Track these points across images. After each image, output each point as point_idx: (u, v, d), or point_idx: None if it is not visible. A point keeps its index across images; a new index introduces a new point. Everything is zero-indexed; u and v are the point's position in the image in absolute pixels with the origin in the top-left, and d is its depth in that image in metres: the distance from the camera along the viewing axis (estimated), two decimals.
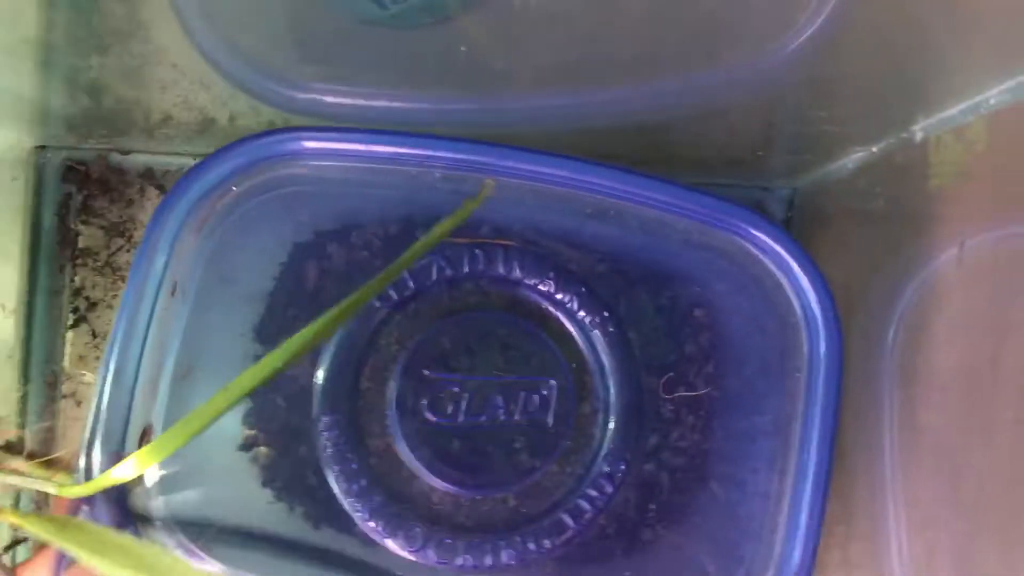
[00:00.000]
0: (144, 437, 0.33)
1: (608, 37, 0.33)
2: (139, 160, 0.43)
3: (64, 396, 0.42)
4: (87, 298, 0.42)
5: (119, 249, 0.42)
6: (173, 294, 0.32)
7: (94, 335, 0.42)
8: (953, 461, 0.31)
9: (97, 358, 0.42)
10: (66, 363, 0.42)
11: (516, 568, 0.33)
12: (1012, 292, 0.29)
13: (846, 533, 0.38)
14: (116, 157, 0.43)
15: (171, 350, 0.33)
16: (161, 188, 0.43)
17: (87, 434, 0.32)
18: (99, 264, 0.42)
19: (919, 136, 0.33)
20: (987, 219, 0.30)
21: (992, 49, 0.29)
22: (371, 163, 0.33)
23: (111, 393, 0.32)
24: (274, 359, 0.29)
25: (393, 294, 0.33)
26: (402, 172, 0.33)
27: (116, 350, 0.32)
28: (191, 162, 0.42)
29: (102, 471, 0.32)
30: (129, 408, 0.33)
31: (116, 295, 0.42)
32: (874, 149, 0.37)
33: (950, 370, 0.32)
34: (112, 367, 0.32)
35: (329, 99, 0.34)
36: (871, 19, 0.29)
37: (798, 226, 0.43)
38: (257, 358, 0.32)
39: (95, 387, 0.32)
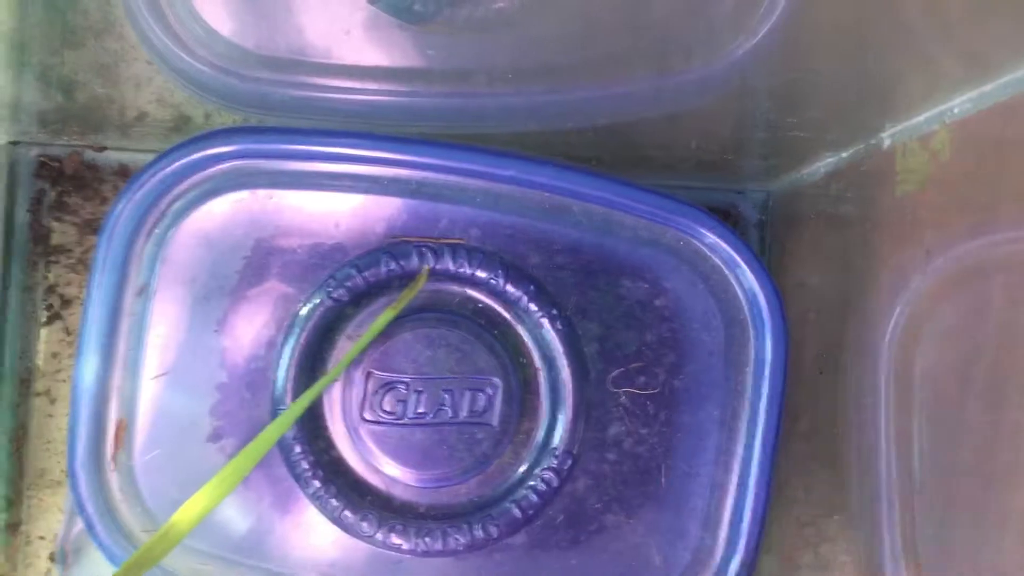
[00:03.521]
0: (117, 432, 0.33)
1: (570, 39, 0.33)
2: (113, 157, 0.42)
3: (38, 394, 0.42)
4: (61, 295, 0.42)
5: (93, 246, 0.42)
6: (139, 295, 0.33)
7: (68, 332, 0.42)
8: (932, 464, 0.31)
9: (71, 355, 0.42)
10: (40, 360, 0.42)
11: (464, 553, 0.34)
12: (978, 302, 0.29)
13: (817, 535, 0.38)
14: (90, 154, 0.42)
15: (142, 349, 0.33)
16: None
17: (68, 439, 0.33)
18: (72, 261, 0.42)
19: (887, 143, 0.33)
20: (951, 228, 0.30)
21: (957, 58, 0.29)
22: (324, 162, 0.33)
23: (87, 395, 0.33)
24: (288, 418, 0.32)
25: (344, 292, 0.33)
26: (356, 171, 0.33)
27: (87, 352, 0.33)
28: None
29: (86, 471, 0.33)
30: (105, 409, 0.33)
31: None
32: (844, 155, 0.37)
33: (927, 374, 0.32)
34: (86, 368, 0.33)
35: (295, 94, 0.35)
36: (833, 23, 0.29)
37: (772, 230, 0.43)
38: (226, 352, 0.33)
39: (71, 391, 0.33)
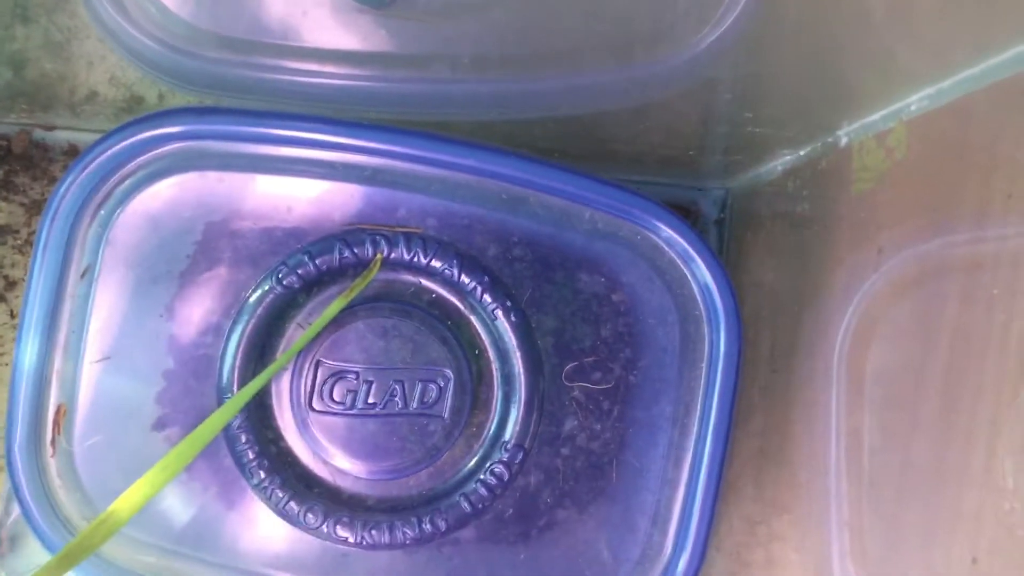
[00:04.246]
0: (57, 416, 0.33)
1: (533, 28, 0.33)
2: (63, 137, 0.42)
3: None
4: (5, 277, 0.41)
5: None
6: (83, 277, 0.32)
7: (12, 315, 0.41)
8: (882, 462, 0.31)
9: (15, 339, 0.41)
10: None
11: (411, 546, 0.33)
12: (932, 302, 0.29)
13: (768, 533, 0.38)
14: (40, 133, 0.42)
15: (85, 333, 0.33)
16: None
17: (7, 423, 0.32)
18: (19, 242, 0.41)
19: (844, 141, 0.33)
20: (907, 228, 0.30)
21: (914, 55, 0.29)
22: (277, 145, 0.32)
23: (27, 379, 0.32)
24: (233, 406, 0.31)
25: (295, 278, 0.33)
26: (309, 155, 0.33)
27: (27, 335, 0.32)
28: None
29: (24, 455, 0.32)
30: (45, 393, 0.33)
31: None
32: (802, 153, 0.37)
33: (879, 373, 0.32)
34: (26, 352, 0.32)
35: (251, 75, 0.34)
36: (793, 18, 0.29)
37: (731, 227, 0.43)
38: (172, 338, 0.33)
39: (11, 372, 0.32)
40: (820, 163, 0.35)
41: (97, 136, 0.41)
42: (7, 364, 0.41)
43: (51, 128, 0.41)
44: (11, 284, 0.41)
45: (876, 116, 0.31)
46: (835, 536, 0.33)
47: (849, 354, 0.33)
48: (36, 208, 0.41)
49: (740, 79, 0.33)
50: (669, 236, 0.33)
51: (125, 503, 0.30)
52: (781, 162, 0.38)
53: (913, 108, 0.29)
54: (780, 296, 0.38)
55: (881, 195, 0.31)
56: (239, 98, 0.36)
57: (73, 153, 0.41)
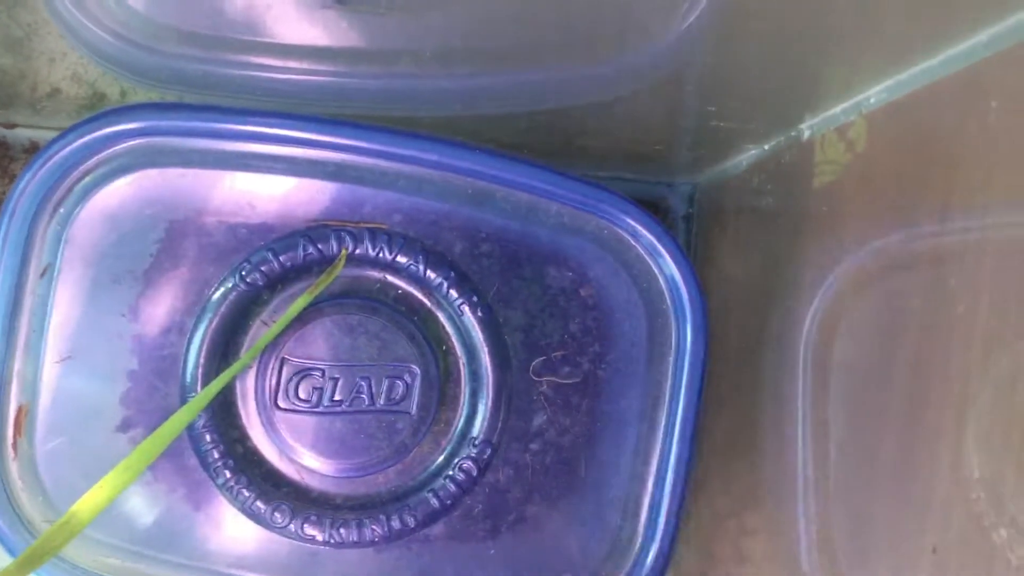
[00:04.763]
0: (18, 417, 0.32)
1: (498, 23, 0.33)
2: (24, 134, 0.41)
3: None
4: None
5: None
6: (43, 276, 0.32)
7: None
8: (849, 454, 0.31)
9: None
10: None
11: (380, 544, 0.33)
12: (898, 296, 0.29)
13: (738, 527, 0.39)
14: (0, 131, 0.41)
15: (45, 332, 0.32)
16: None
17: None
18: None
19: (806, 135, 0.34)
20: (870, 221, 0.31)
21: (873, 48, 0.29)
22: (238, 141, 0.32)
23: None
24: (196, 405, 0.31)
25: (259, 276, 0.32)
26: (272, 151, 0.32)
27: None
28: None
29: None
30: (5, 393, 0.32)
31: None
32: (766, 147, 0.37)
33: (845, 366, 0.32)
34: None
35: (214, 71, 0.34)
36: (756, 10, 0.29)
37: (699, 222, 0.44)
38: (135, 338, 0.32)
39: None
40: (783, 157, 0.35)
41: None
42: None
43: (12, 126, 0.41)
44: None
45: (837, 109, 0.31)
46: (803, 529, 0.33)
47: (816, 347, 0.33)
48: None
49: (704, 73, 0.33)
50: (635, 230, 0.33)
51: (87, 504, 0.30)
52: (746, 156, 0.39)
53: (872, 100, 0.29)
54: (747, 290, 0.39)
55: (843, 189, 0.31)
56: (202, 94, 0.36)
57: (34, 151, 0.41)
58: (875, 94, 0.29)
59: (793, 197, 0.35)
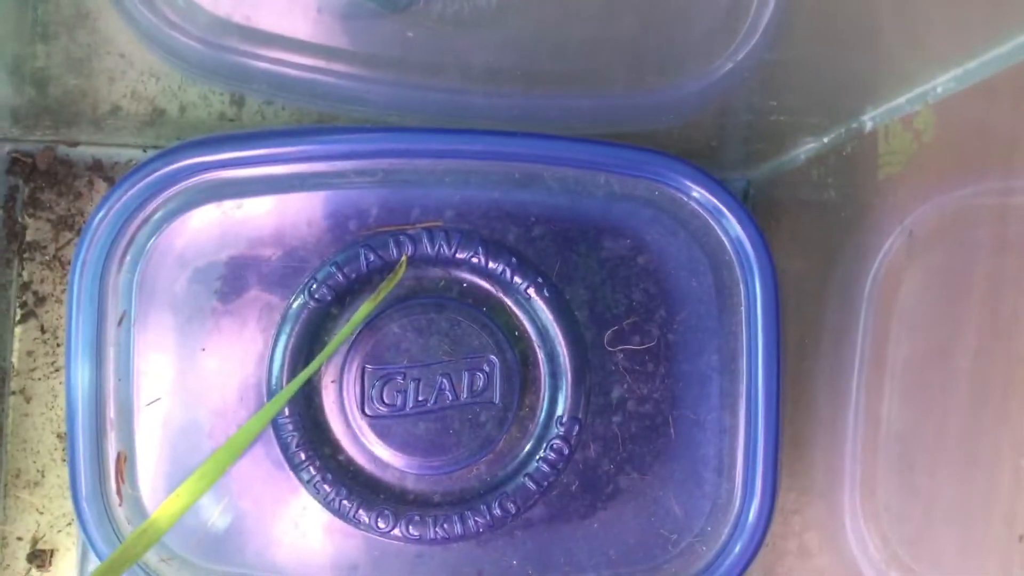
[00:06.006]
0: (119, 464, 0.33)
1: (546, 45, 0.33)
2: (87, 152, 0.42)
3: (13, 392, 0.41)
4: (35, 292, 0.41)
5: (68, 243, 0.41)
6: (120, 324, 0.33)
7: (43, 330, 0.42)
8: (907, 449, 0.31)
9: (46, 353, 0.41)
10: (15, 359, 0.41)
11: (486, 533, 0.33)
12: (960, 285, 0.29)
13: (802, 522, 0.38)
14: (64, 149, 0.42)
15: (131, 379, 0.33)
16: (110, 180, 0.42)
17: (70, 477, 0.33)
18: (47, 258, 0.41)
19: (868, 126, 0.34)
20: (935, 210, 0.31)
21: (939, 37, 0.29)
22: (286, 164, 0.32)
23: (83, 432, 0.33)
24: (268, 412, 0.32)
25: (327, 291, 0.33)
26: (319, 168, 0.33)
27: (76, 390, 0.33)
28: (140, 154, 0.42)
29: (94, 514, 0.33)
30: (103, 444, 0.33)
31: (65, 289, 0.41)
32: (825, 140, 0.37)
33: (903, 359, 0.32)
34: (78, 407, 0.33)
35: (271, 69, 0.34)
36: (818, 8, 0.29)
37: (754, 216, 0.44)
38: (217, 371, 0.33)
39: (67, 430, 0.33)
40: (845, 149, 0.35)
41: (120, 150, 0.42)
42: (39, 379, 0.41)
43: (75, 144, 0.42)
44: (40, 299, 0.41)
45: (901, 99, 0.31)
46: (865, 516, 0.33)
47: (874, 342, 0.33)
48: (63, 224, 0.41)
49: (765, 70, 0.33)
50: (686, 186, 0.33)
51: (165, 512, 0.30)
52: (804, 150, 0.39)
53: (939, 90, 0.30)
54: (806, 284, 0.39)
55: (908, 178, 0.32)
56: (260, 91, 0.36)
57: (97, 168, 0.42)
58: (942, 83, 0.29)
59: (856, 189, 0.35)
